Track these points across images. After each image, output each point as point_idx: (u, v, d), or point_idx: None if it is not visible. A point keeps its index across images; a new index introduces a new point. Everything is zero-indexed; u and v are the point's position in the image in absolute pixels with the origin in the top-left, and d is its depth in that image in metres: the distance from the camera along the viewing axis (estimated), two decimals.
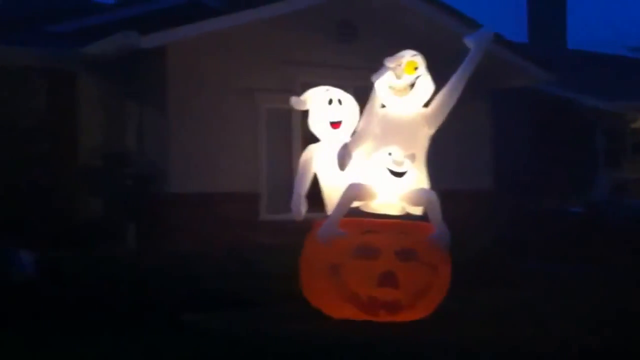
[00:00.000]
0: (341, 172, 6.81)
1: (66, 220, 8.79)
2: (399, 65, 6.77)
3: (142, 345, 5.94)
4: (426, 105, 6.89)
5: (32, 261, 7.59)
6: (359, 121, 7.01)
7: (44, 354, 6.02)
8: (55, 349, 6.14)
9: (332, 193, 6.89)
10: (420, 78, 6.81)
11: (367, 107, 6.98)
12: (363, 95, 7.06)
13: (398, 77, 6.75)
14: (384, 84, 6.85)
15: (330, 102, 7.08)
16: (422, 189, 6.56)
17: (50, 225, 8.34)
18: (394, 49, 6.87)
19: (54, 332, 6.56)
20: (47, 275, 7.49)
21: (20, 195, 8.54)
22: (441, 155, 7.12)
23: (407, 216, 6.61)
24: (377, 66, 6.83)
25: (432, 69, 6.82)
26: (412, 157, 6.56)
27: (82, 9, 11.33)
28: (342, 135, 7.04)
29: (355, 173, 6.76)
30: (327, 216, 6.71)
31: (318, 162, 7.05)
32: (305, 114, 7.27)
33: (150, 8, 11.17)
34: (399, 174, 6.46)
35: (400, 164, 6.47)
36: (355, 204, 6.61)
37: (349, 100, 7.17)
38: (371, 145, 6.78)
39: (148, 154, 9.83)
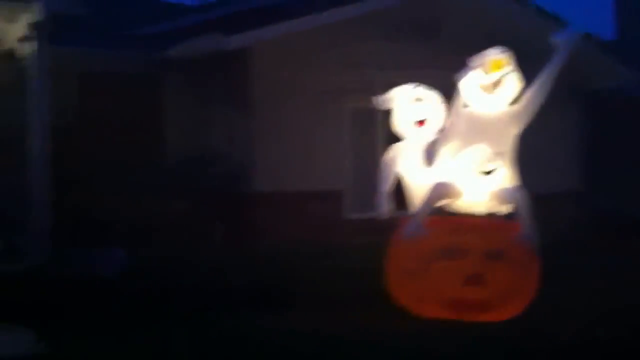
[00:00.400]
0: (426, 170, 6.79)
1: (154, 219, 9.00)
2: (485, 63, 6.71)
3: (236, 337, 6.05)
4: (513, 103, 6.81)
5: (122, 259, 7.82)
6: (444, 120, 6.97)
7: (135, 349, 6.22)
8: (146, 344, 6.33)
9: (417, 192, 6.86)
10: (506, 76, 6.74)
11: (452, 105, 6.93)
12: (447, 94, 7.01)
13: (484, 74, 6.70)
14: (468, 83, 6.80)
15: (415, 100, 7.06)
16: (511, 187, 6.47)
17: (140, 224, 8.56)
18: (478, 48, 6.79)
19: (139, 327, 6.79)
20: (136, 272, 7.70)
21: (111, 195, 8.79)
22: (528, 155, 6.99)
23: (494, 215, 6.53)
24: (461, 65, 6.76)
25: (518, 67, 6.72)
26: (500, 156, 6.49)
27: (166, 12, 11.61)
28: (427, 134, 7.01)
29: (441, 172, 6.72)
30: (411, 215, 6.69)
31: (402, 160, 7.04)
32: (389, 113, 7.26)
33: (234, 10, 11.35)
34: (487, 172, 6.40)
35: (488, 162, 6.40)
36: (441, 202, 6.57)
37: (434, 99, 7.13)
38: (457, 144, 6.73)
39: (234, 154, 9.99)
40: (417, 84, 7.17)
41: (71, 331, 6.66)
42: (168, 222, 8.90)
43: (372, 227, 7.09)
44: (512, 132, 6.76)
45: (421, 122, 7.02)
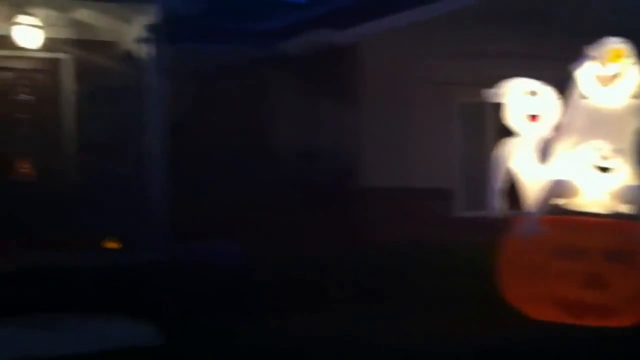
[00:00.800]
0: (541, 167, 6.60)
1: (266, 213, 9.15)
2: (603, 53, 6.45)
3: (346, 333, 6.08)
4: (634, 97, 6.51)
5: (232, 253, 8.00)
6: (560, 114, 6.74)
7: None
8: (263, 337, 6.46)
9: (531, 189, 6.69)
10: (627, 67, 6.45)
11: (569, 99, 6.69)
12: (561, 86, 6.77)
13: (602, 66, 6.43)
14: (586, 74, 6.54)
15: (528, 94, 6.87)
16: (633, 186, 6.20)
17: (248, 217, 8.74)
18: (592, 38, 6.53)
19: (254, 320, 6.94)
20: (250, 266, 7.87)
21: (225, 190, 9.00)
22: None
23: (615, 214, 6.27)
24: (575, 56, 6.52)
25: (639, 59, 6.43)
26: (619, 152, 6.22)
27: (278, 9, 11.71)
28: (541, 129, 6.81)
29: (556, 168, 6.51)
30: (525, 213, 6.52)
31: (515, 157, 6.87)
32: (500, 107, 7.09)
33: (342, 5, 11.33)
34: (606, 170, 6.15)
35: (607, 158, 6.15)
36: (557, 201, 6.38)
37: (548, 93, 6.92)
38: (574, 139, 6.50)
39: (343, 150, 10.01)
40: (529, 76, 6.98)
41: (190, 323, 6.93)
42: (279, 216, 9.02)
43: (483, 226, 6.95)
44: (632, 128, 6.48)
45: (534, 117, 6.83)
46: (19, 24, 8.91)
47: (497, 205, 6.73)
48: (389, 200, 9.29)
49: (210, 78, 9.70)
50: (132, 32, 9.35)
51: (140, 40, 9.01)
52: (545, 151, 6.69)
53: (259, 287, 7.47)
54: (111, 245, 8.68)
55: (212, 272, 7.68)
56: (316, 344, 6.15)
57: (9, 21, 9.10)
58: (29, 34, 8.96)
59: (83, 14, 9.39)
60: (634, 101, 6.51)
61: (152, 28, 8.48)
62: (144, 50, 8.92)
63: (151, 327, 6.87)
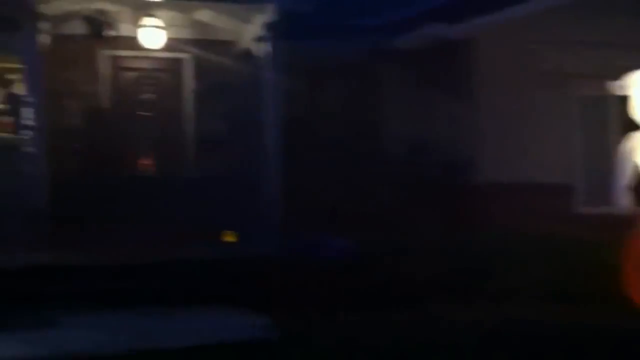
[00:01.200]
0: None
1: (378, 208, 9.14)
2: None
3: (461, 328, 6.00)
4: None
5: (344, 247, 8.02)
6: None
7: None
8: (373, 332, 6.46)
9: None
10: None
11: None
12: None
13: None
14: None
15: None
16: None
17: (360, 211, 8.74)
18: None
19: (365, 315, 6.94)
20: (362, 261, 7.87)
21: (338, 185, 9.04)
22: None
23: None
24: None
25: None
26: None
27: (389, 3, 11.62)
28: None
29: None
30: None
31: None
32: (625, 99, 6.81)
33: None
34: None
35: None
36: None
37: None
38: None
39: (456, 145, 9.86)
40: None
41: (302, 318, 6.99)
42: (391, 211, 8.98)
43: (606, 223, 6.69)
44: None
45: None
46: (144, 26, 9.29)
47: (623, 201, 6.47)
48: (506, 196, 9.05)
49: (325, 74, 9.77)
50: (250, 31, 9.57)
51: (258, 39, 9.20)
52: None
53: (372, 283, 7.46)
54: (229, 238, 8.89)
55: (325, 266, 7.74)
56: (429, 342, 6.11)
57: (135, 23, 9.52)
58: (152, 35, 9.32)
59: (204, 15, 9.69)
60: None
61: (269, 26, 8.63)
62: (261, 49, 9.09)
63: (266, 320, 6.93)
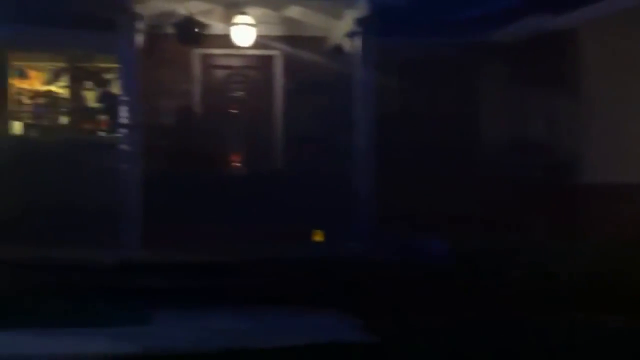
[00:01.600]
0: None
1: (473, 209, 8.85)
2: None
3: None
4: None
5: (446, 250, 7.79)
6: None
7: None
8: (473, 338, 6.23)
9: None
10: None
11: None
12: None
13: None
14: None
15: None
16: None
17: (456, 212, 8.47)
18: None
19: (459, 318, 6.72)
20: (462, 264, 7.63)
21: (430, 185, 8.80)
22: None
23: None
24: None
25: None
26: None
27: None
28: None
29: None
30: None
31: None
32: None
33: None
34: None
35: None
36: None
37: None
38: None
39: (558, 143, 9.41)
40: None
41: (398, 320, 6.80)
42: (488, 213, 8.69)
43: None
44: None
45: None
46: (236, 23, 9.30)
47: None
48: (612, 196, 8.57)
49: (419, 70, 9.50)
50: (341, 27, 9.43)
51: (349, 35, 9.05)
52: None
53: (469, 286, 7.21)
54: (318, 237, 8.80)
55: (422, 268, 7.54)
56: (528, 348, 5.86)
57: (226, 21, 9.54)
58: (244, 32, 9.31)
59: (294, 11, 9.61)
60: None
61: (361, 22, 8.45)
62: (352, 45, 8.94)
63: (357, 322, 6.80)
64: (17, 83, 9.59)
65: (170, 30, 9.55)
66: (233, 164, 10.11)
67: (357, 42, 8.70)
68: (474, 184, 8.85)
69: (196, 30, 9.15)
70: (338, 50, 9.46)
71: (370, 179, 8.38)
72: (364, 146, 8.48)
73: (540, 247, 7.82)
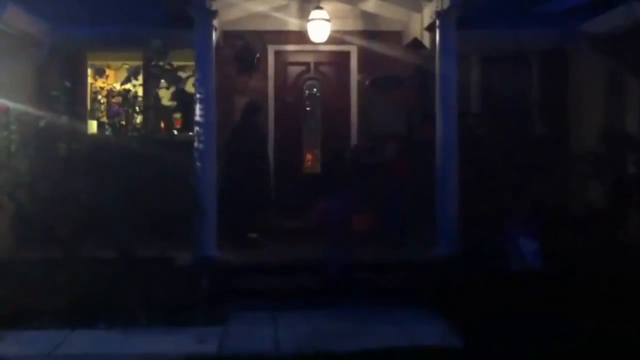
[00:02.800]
0: None
1: (564, 206, 8.43)
2: None
3: None
4: None
5: (534, 250, 7.43)
6: None
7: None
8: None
9: None
10: None
11: None
12: None
13: None
14: None
15: None
16: None
17: (551, 212, 8.05)
18: None
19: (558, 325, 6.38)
20: (550, 264, 7.26)
21: (517, 183, 8.41)
22: None
23: None
24: None
25: None
26: None
27: None
28: None
29: None
30: None
31: None
32: None
33: None
34: None
35: None
36: None
37: None
38: None
39: None
40: None
41: (486, 325, 6.52)
42: (585, 212, 8.26)
43: None
44: None
45: None
46: (311, 19, 9.11)
47: None
48: None
49: (503, 64, 9.10)
50: (419, 21, 9.14)
51: (428, 28, 8.74)
52: None
53: (564, 289, 6.85)
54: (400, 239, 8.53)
55: (514, 270, 7.20)
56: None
57: (302, 17, 9.36)
58: (319, 28, 9.12)
59: (370, 5, 9.37)
60: None
61: (440, 14, 8.13)
62: (431, 38, 8.63)
63: (448, 325, 6.65)
64: (96, 83, 9.70)
65: (245, 27, 9.47)
66: (309, 161, 9.93)
67: (437, 36, 8.36)
68: (569, 182, 8.43)
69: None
70: (416, 44, 9.16)
71: (455, 176, 8.03)
72: (447, 142, 8.12)
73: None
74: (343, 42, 9.78)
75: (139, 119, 8.45)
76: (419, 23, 9.16)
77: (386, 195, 8.59)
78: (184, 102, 9.26)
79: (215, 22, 8.12)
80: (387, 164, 8.71)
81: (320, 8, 9.10)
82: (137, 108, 8.30)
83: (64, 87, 7.90)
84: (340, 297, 7.39)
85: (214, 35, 8.19)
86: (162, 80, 8.40)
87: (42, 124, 7.65)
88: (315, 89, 9.99)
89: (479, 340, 6.23)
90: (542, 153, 8.58)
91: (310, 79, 10.00)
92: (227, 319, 6.92)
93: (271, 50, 9.83)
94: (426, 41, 8.98)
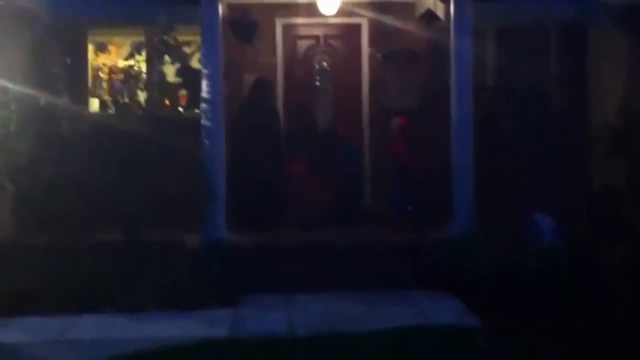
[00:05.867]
0: None
1: (582, 186, 8.14)
2: None
3: None
4: None
5: (552, 228, 7.16)
6: None
7: None
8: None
9: None
10: None
11: None
12: None
13: None
14: None
15: None
16: None
17: (567, 191, 7.78)
18: None
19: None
20: (569, 244, 7.00)
21: (532, 160, 8.13)
22: None
23: None
24: None
25: None
26: None
27: None
28: None
29: None
30: None
31: None
32: None
33: None
34: None
35: None
36: None
37: None
38: None
39: None
40: None
41: (500, 307, 6.33)
42: (598, 189, 7.99)
43: None
44: None
45: None
46: None
47: None
48: None
49: (522, 38, 8.73)
50: None
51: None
52: None
53: (584, 272, 6.59)
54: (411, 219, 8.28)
55: (531, 249, 6.94)
56: None
57: None
58: (329, 0, 8.78)
59: None
60: None
61: None
62: (446, 10, 8.28)
63: (459, 305, 6.52)
64: (97, 59, 9.43)
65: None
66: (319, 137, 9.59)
67: (453, 7, 8.03)
68: (585, 157, 8.15)
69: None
70: (431, 15, 8.79)
71: (470, 154, 7.76)
72: (462, 119, 7.83)
73: None
74: (353, 15, 9.42)
75: (142, 96, 8.23)
76: None
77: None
78: (190, 78, 8.95)
79: None
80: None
81: None
82: (140, 84, 8.07)
83: (64, 64, 7.64)
84: (355, 279, 7.21)
85: (220, 9, 7.91)
86: (167, 57, 8.12)
87: (42, 103, 7.40)
88: (325, 63, 9.65)
89: (496, 320, 6.05)
90: (561, 130, 8.33)
91: (320, 52, 9.66)
92: (238, 302, 6.75)
93: (279, 23, 9.48)
94: (440, 12, 8.61)
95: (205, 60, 7.73)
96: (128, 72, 8.17)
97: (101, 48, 9.42)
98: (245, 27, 8.89)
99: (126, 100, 8.20)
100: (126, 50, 8.91)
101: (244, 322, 6.28)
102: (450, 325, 6.02)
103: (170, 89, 9.31)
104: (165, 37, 7.83)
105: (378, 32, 9.51)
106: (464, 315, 6.27)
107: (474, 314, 6.27)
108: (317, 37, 9.65)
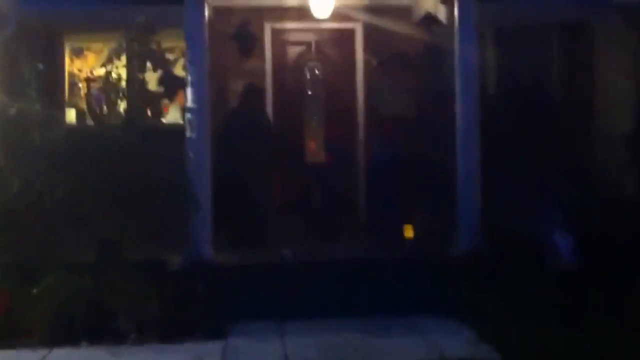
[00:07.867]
0: None
1: (598, 196, 7.68)
2: None
3: None
4: None
5: (572, 247, 6.64)
6: None
7: None
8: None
9: None
10: None
11: None
12: None
13: None
14: None
15: None
16: None
17: (586, 202, 7.31)
18: None
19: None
20: (591, 264, 6.49)
21: (542, 169, 7.68)
22: None
23: None
24: None
25: None
26: None
27: None
28: None
29: None
30: None
31: None
32: None
33: None
34: None
35: None
36: None
37: None
38: None
39: None
40: None
41: (521, 332, 5.80)
42: (609, 205, 7.53)
43: None
44: None
45: None
46: None
47: None
48: None
49: (526, 39, 8.35)
50: None
51: (442, 1, 7.95)
52: None
53: (602, 292, 6.11)
54: (408, 233, 7.77)
55: (547, 269, 6.44)
56: None
57: None
58: (321, 3, 8.30)
59: None
60: None
61: None
62: (448, 12, 7.84)
63: (468, 333, 5.98)
64: (73, 65, 8.91)
65: (239, 2, 8.63)
66: (311, 149, 9.09)
67: (452, 9, 7.58)
68: (598, 170, 7.68)
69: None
70: (429, 19, 8.34)
71: (474, 163, 7.27)
72: (466, 126, 7.34)
73: None
74: (347, 19, 8.94)
75: (122, 105, 7.71)
76: None
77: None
78: (173, 86, 8.44)
79: None
80: None
81: None
82: (120, 93, 7.54)
83: (36, 70, 7.08)
84: (355, 302, 6.65)
85: (206, 12, 7.41)
86: (148, 63, 7.61)
87: (11, 112, 6.82)
88: (317, 71, 9.13)
89: (515, 352, 5.52)
90: (569, 136, 7.90)
91: (311, 60, 9.15)
92: (227, 332, 6.16)
93: (268, 28, 8.96)
94: (441, 15, 8.15)
95: (189, 66, 7.22)
96: (106, 78, 7.64)
97: (77, 52, 8.89)
98: (245, 40, 8.51)
99: (105, 109, 7.69)
100: (105, 57, 8.45)
101: (235, 356, 5.70)
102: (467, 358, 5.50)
103: (151, 98, 8.81)
104: (146, 42, 7.33)
105: (373, 38, 9.03)
106: (478, 347, 5.71)
107: (487, 343, 5.73)
108: (308, 43, 9.13)
